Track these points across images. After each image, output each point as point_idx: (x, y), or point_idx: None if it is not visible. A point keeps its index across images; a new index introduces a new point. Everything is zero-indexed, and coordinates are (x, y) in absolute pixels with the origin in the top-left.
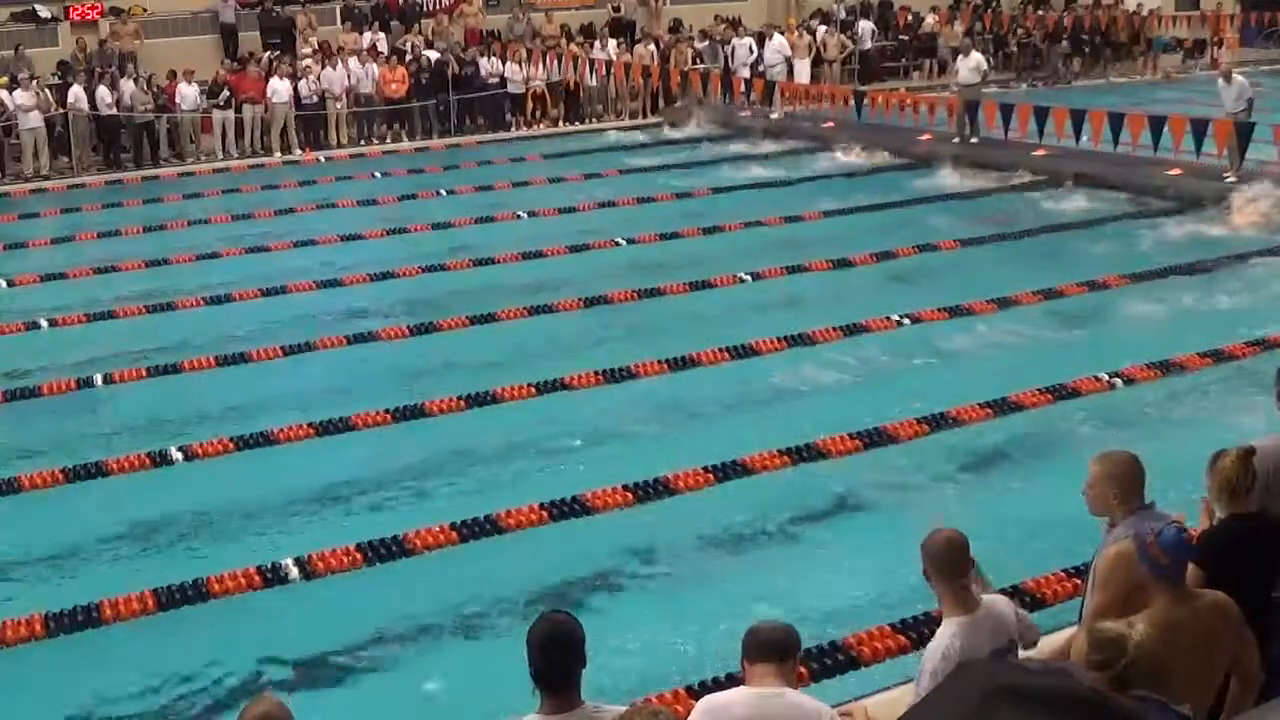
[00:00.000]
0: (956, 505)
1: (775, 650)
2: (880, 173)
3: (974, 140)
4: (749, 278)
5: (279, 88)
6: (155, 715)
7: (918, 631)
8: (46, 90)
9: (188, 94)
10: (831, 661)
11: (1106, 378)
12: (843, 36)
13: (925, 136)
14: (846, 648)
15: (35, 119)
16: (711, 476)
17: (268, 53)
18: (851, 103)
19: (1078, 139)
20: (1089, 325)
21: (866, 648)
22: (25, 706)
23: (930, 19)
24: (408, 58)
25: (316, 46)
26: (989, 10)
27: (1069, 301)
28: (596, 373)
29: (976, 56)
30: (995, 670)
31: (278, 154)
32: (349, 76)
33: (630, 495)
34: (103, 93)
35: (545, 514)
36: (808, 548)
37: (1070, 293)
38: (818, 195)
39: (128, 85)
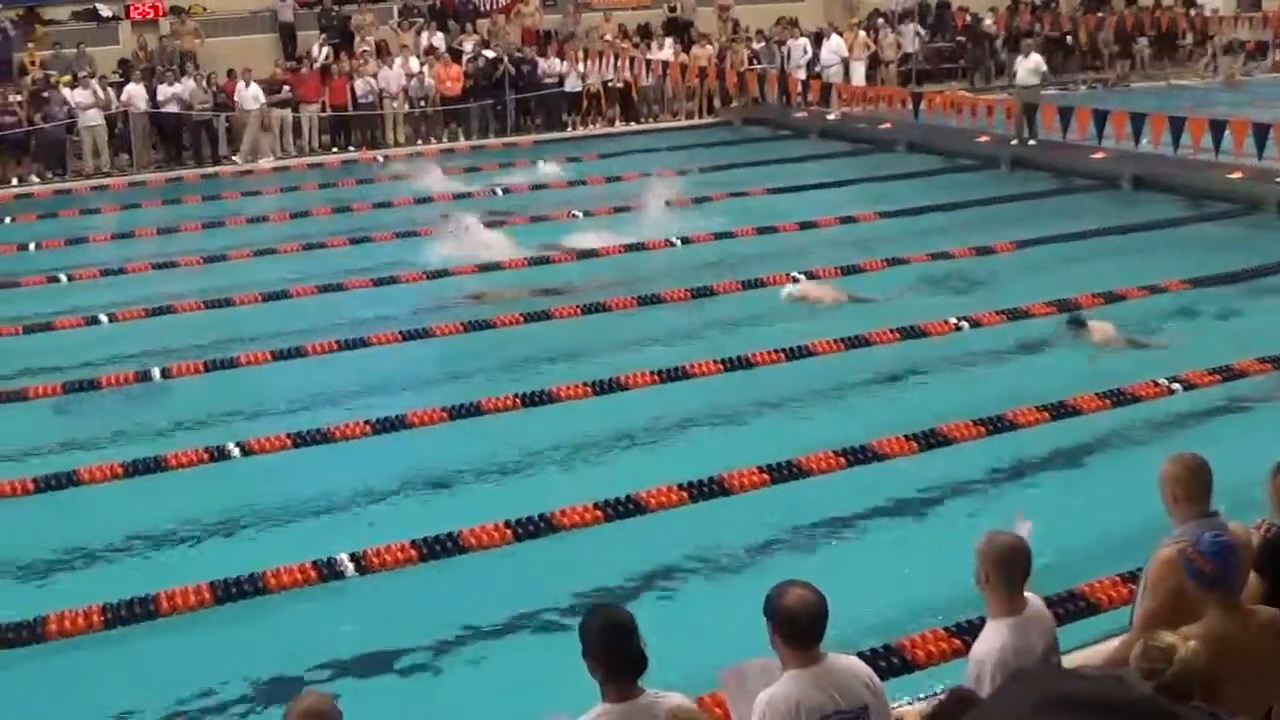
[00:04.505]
0: (1011, 509)
1: (820, 630)
2: (937, 174)
3: (1032, 142)
4: (803, 278)
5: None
6: (208, 707)
7: (973, 635)
8: (109, 89)
9: (246, 93)
10: (886, 665)
11: (1166, 383)
12: (899, 37)
13: (983, 138)
14: (900, 650)
15: (95, 117)
16: (767, 476)
17: (324, 50)
18: (909, 104)
19: (1137, 141)
20: (1147, 330)
21: (921, 651)
22: (82, 697)
23: (989, 20)
24: (464, 57)
25: (374, 46)
26: (1048, 11)
27: (1128, 306)
28: (652, 372)
29: (1035, 58)
30: (1052, 677)
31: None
32: (405, 76)
33: (685, 494)
34: (162, 91)
35: (600, 513)
36: (861, 549)
37: (1131, 296)
38: (873, 196)
39: (187, 84)
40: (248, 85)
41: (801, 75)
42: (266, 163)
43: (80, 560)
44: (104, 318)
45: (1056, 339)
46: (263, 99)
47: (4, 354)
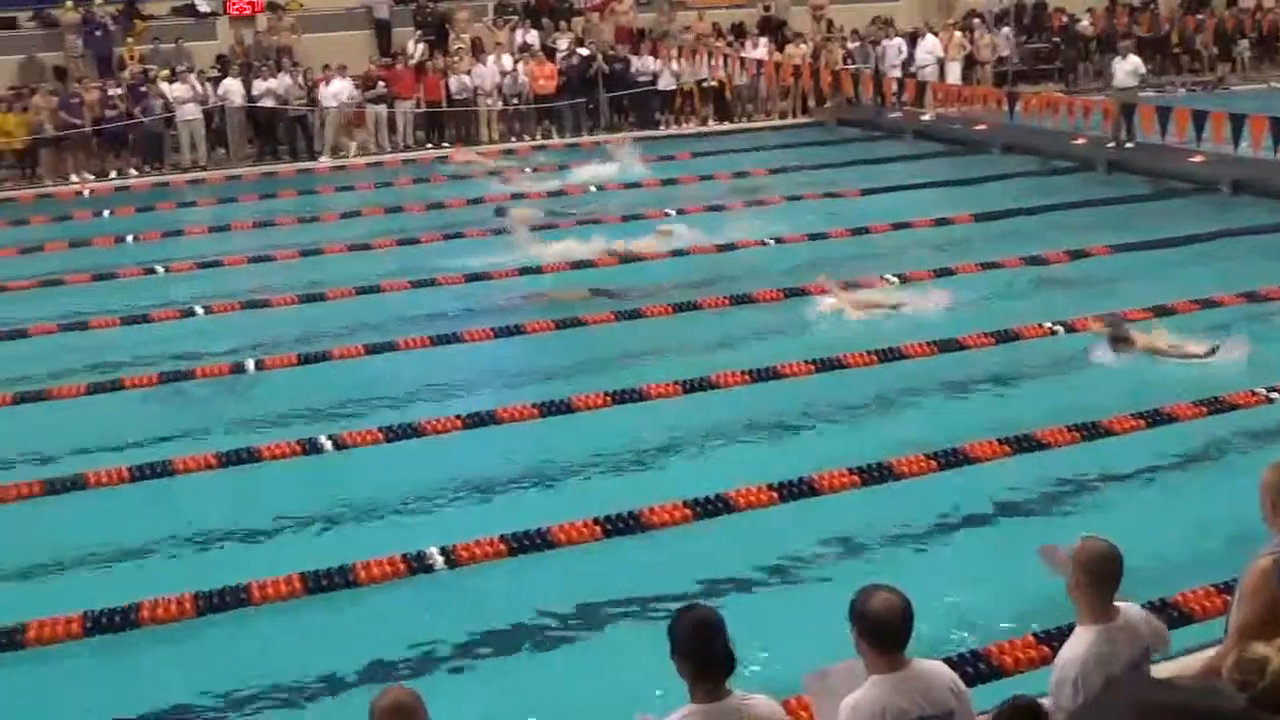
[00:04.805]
0: (1104, 515)
1: (906, 635)
2: (1032, 176)
3: (1130, 145)
4: (896, 279)
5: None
6: (297, 696)
7: (1061, 642)
8: (206, 84)
9: (341, 88)
10: (973, 670)
11: (1265, 392)
12: (995, 38)
13: (1079, 140)
14: (988, 657)
15: (192, 111)
16: (858, 478)
17: (419, 47)
18: (1004, 105)
19: (1236, 145)
20: (1246, 336)
21: (1009, 657)
22: (173, 683)
23: (1085, 21)
24: (558, 55)
25: (469, 43)
26: (1145, 12)
27: (1225, 311)
28: (743, 371)
29: (1134, 59)
30: (1147, 687)
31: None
32: (500, 73)
33: (774, 494)
34: (257, 86)
35: (689, 511)
36: (950, 552)
37: (1227, 303)
38: (968, 198)
39: (283, 79)
40: (328, 83)
41: (896, 75)
42: (361, 158)
43: (173, 549)
44: (199, 310)
45: (1093, 356)
46: (344, 97)
47: (102, 345)
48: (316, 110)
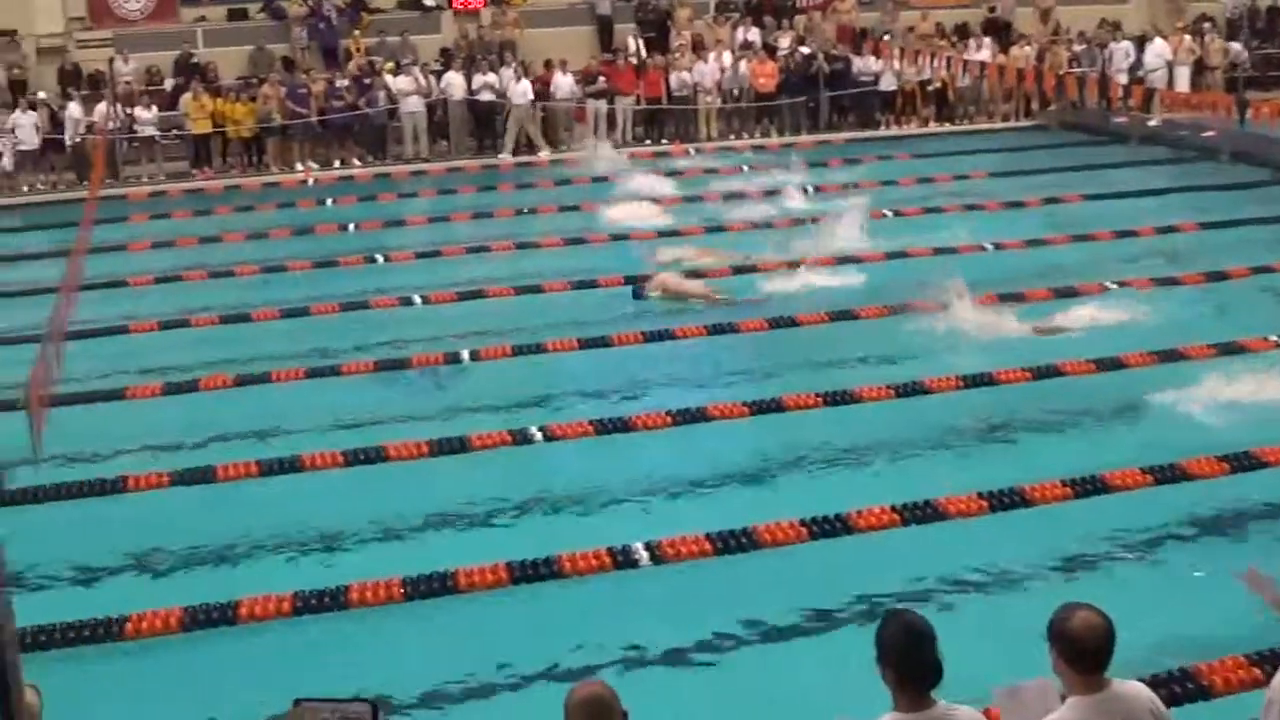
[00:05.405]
0: None
1: (1107, 656)
2: (1262, 186)
3: None
4: (1115, 286)
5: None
6: (500, 683)
7: (1275, 664)
8: (430, 76)
9: (563, 83)
10: (1180, 690)
11: None
12: (1226, 44)
13: None
14: (1196, 676)
15: (415, 103)
16: (1070, 490)
17: (639, 43)
18: (1234, 112)
19: None
20: None
21: (1219, 678)
22: (374, 665)
23: None
24: (779, 53)
25: (689, 40)
26: None
27: None
28: (957, 377)
29: None
30: None
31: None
32: (720, 70)
33: (986, 503)
34: (476, 80)
35: (896, 516)
36: (1162, 569)
37: None
38: (1194, 206)
39: (505, 73)
40: (518, 80)
41: (1123, 79)
42: (583, 153)
43: (382, 533)
44: (417, 299)
45: None
46: (531, 94)
47: (322, 331)
48: (506, 106)
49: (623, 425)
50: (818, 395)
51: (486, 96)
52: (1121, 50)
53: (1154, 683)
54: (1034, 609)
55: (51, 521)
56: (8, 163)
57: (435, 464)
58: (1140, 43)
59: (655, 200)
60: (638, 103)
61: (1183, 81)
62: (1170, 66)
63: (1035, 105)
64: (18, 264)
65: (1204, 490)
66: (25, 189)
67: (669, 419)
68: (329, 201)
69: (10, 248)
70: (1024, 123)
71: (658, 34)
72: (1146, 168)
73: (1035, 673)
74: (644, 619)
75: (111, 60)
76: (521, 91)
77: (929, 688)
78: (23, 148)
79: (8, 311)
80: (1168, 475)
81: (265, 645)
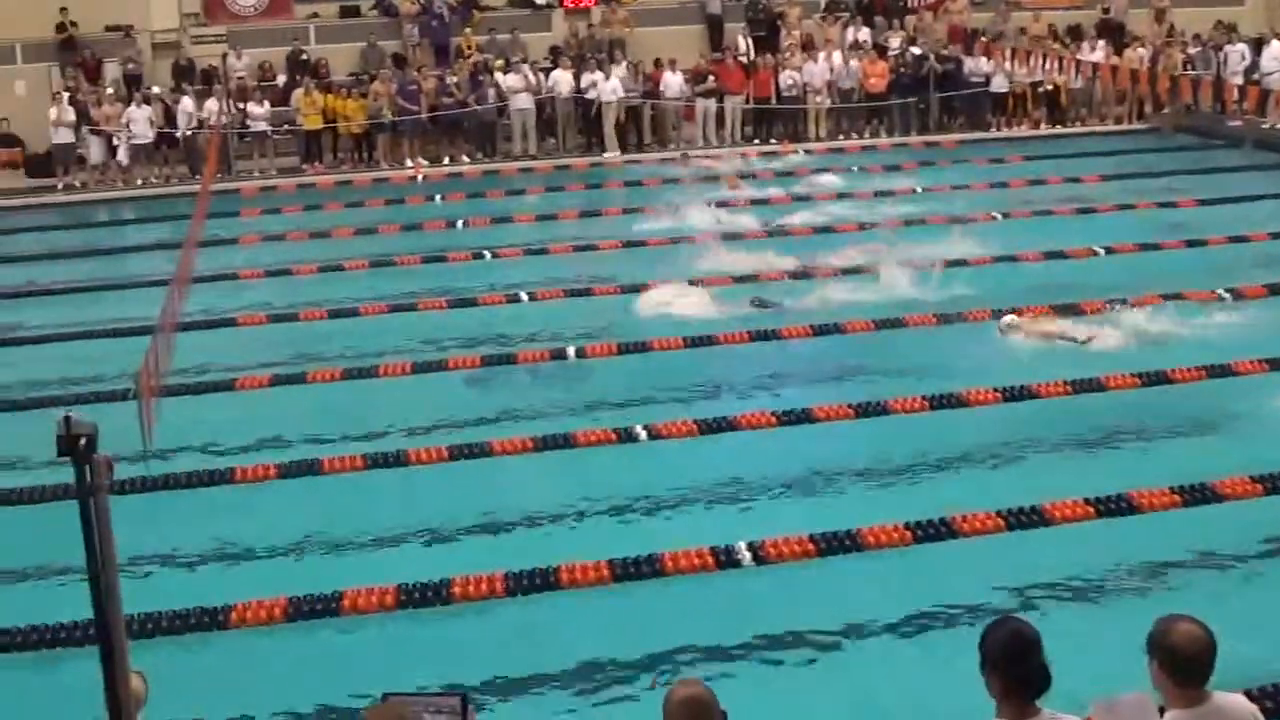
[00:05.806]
0: None
1: (1209, 669)
2: None
3: None
4: (1227, 295)
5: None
6: (600, 679)
7: None
8: (539, 74)
9: (672, 82)
10: None
11: None
12: None
13: None
14: None
15: (525, 101)
16: (1179, 498)
17: (748, 42)
18: None
19: None
20: None
21: None
22: (475, 659)
23: None
24: (890, 53)
25: (799, 39)
26: None
27: None
28: (1065, 383)
29: None
30: None
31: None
32: (830, 70)
33: (1092, 509)
34: (584, 78)
35: (1002, 521)
36: (1262, 581)
37: None
38: None
39: (616, 71)
40: (608, 78)
41: (1238, 82)
42: (693, 151)
43: (486, 529)
44: (524, 295)
45: None
46: (621, 92)
47: (430, 325)
48: (596, 104)
49: (727, 424)
50: (923, 398)
51: (593, 94)
52: (1237, 53)
53: (1261, 696)
54: (1129, 619)
55: (159, 511)
56: (123, 156)
57: (540, 460)
58: (1256, 45)
59: (764, 200)
60: (746, 102)
61: None
62: None
63: (1148, 108)
64: (131, 256)
65: None
66: (139, 182)
67: (773, 419)
68: (438, 198)
69: (124, 240)
70: (1137, 126)
71: (767, 33)
72: (1261, 172)
73: (1134, 686)
74: (745, 619)
75: (225, 56)
76: (611, 89)
77: (1035, 696)
78: (137, 141)
79: (120, 303)
80: (1275, 485)
81: (366, 638)
